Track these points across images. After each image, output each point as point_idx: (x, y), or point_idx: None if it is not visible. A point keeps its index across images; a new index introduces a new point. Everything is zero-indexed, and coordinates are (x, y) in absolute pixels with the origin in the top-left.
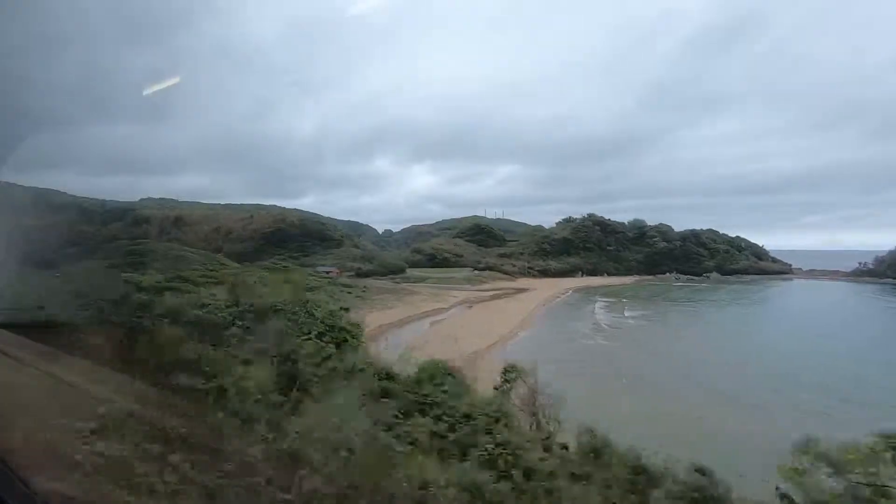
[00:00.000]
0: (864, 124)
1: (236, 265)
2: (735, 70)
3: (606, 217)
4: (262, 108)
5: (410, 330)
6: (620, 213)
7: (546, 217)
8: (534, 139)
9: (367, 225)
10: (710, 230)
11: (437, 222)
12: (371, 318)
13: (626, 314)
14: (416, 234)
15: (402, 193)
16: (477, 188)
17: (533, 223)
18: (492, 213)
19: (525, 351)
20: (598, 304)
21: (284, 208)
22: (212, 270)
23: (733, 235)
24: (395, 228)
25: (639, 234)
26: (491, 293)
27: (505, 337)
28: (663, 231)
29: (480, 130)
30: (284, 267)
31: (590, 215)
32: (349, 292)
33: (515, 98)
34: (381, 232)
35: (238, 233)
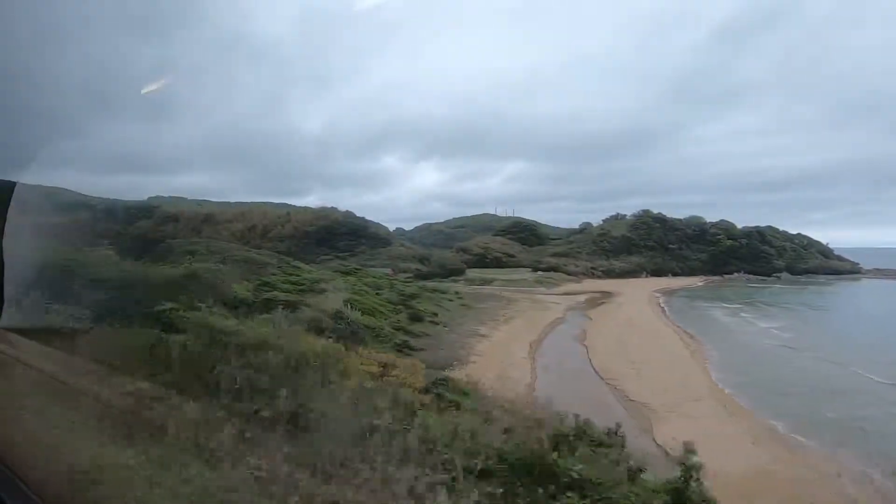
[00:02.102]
0: (879, 120)
1: (308, 267)
2: (759, 62)
3: (664, 214)
4: (270, 105)
5: (561, 350)
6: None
7: (554, 215)
8: (545, 135)
9: (376, 223)
10: (770, 227)
11: (449, 220)
12: (507, 334)
13: (763, 325)
14: (430, 233)
15: (407, 191)
16: (483, 186)
17: (542, 221)
18: (502, 210)
19: (764, 377)
20: (714, 312)
21: (315, 207)
22: (290, 275)
23: (794, 232)
24: (403, 227)
25: (699, 232)
26: (584, 297)
27: (700, 358)
28: (725, 228)
29: (491, 126)
30: (355, 269)
31: (645, 211)
32: (450, 299)
33: (529, 93)
34: (392, 230)
35: (277, 231)
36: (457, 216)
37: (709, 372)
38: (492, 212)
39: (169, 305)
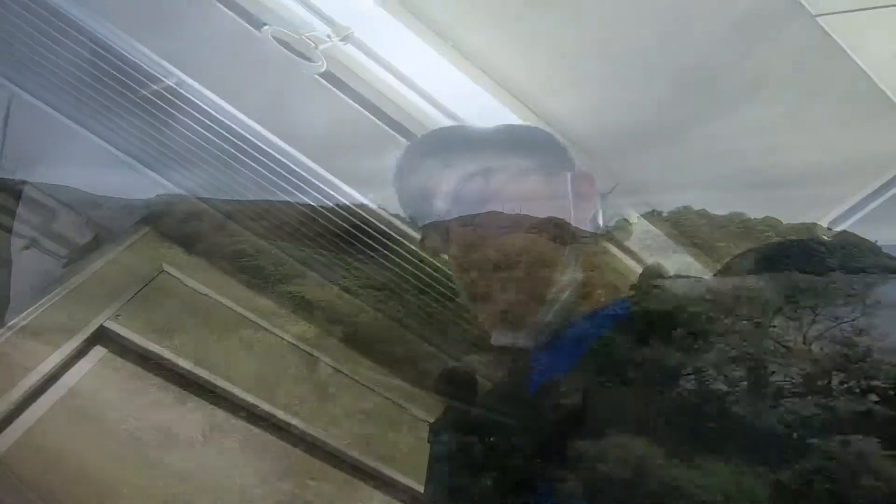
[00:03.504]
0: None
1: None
2: (782, 52)
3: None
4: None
5: None
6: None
7: None
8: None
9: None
10: (814, 223)
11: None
12: None
13: None
14: None
15: None
16: None
17: None
18: None
19: None
20: None
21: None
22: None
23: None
24: None
25: (743, 229)
26: None
27: None
28: (772, 224)
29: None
30: None
31: (685, 207)
32: None
33: (534, 91)
34: None
35: (305, 229)
36: None
37: None
38: None
39: None
